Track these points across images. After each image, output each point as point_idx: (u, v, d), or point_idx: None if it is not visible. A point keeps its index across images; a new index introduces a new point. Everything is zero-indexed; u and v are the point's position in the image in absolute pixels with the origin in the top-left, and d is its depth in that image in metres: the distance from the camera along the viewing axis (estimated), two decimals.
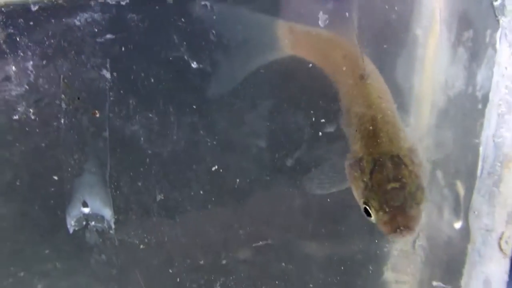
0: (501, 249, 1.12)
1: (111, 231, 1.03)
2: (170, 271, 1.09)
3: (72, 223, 1.02)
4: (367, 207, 0.84)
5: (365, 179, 0.86)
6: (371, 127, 0.89)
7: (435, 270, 1.18)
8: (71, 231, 1.03)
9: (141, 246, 1.06)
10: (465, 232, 1.16)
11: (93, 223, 1.03)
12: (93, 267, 1.05)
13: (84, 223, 1.03)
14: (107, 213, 1.02)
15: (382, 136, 0.88)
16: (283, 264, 1.09)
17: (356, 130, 0.91)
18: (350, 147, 0.94)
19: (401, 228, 0.82)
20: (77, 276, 1.06)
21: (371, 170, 0.86)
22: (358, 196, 0.88)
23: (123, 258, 1.05)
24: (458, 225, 1.21)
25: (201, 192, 1.05)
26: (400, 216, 0.82)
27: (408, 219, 0.82)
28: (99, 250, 1.04)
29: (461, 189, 1.20)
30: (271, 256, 1.09)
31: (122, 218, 1.04)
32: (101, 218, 1.02)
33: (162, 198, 1.04)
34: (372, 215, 0.84)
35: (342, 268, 1.10)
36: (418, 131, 1.23)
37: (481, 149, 1.11)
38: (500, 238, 1.12)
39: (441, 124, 1.20)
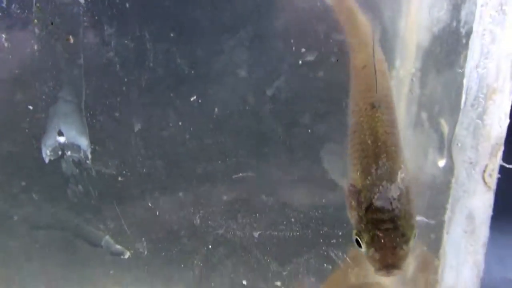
0: (485, 183, 1.11)
1: (87, 161, 1.02)
2: (150, 204, 1.07)
3: (48, 152, 1.00)
4: (359, 239, 0.87)
5: (360, 214, 0.87)
6: (373, 165, 0.89)
7: (418, 205, 1.17)
8: (46, 161, 1.01)
9: (119, 178, 1.04)
10: (449, 167, 1.15)
11: (69, 153, 1.01)
12: (70, 198, 1.04)
13: (60, 153, 1.01)
14: (83, 142, 1.01)
15: (383, 176, 0.88)
16: (264, 196, 1.08)
17: (358, 159, 0.91)
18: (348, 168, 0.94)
19: (389, 267, 0.85)
20: (53, 207, 1.05)
21: (367, 207, 0.87)
22: (352, 222, 0.90)
23: (100, 189, 1.04)
24: (442, 163, 1.20)
25: (180, 123, 1.03)
26: (390, 256, 0.85)
27: (397, 259, 0.85)
28: (76, 180, 1.03)
29: (445, 127, 1.18)
30: (251, 189, 1.07)
31: (99, 148, 1.02)
32: (77, 148, 1.01)
33: (140, 128, 1.02)
34: (362, 247, 0.87)
35: (324, 200, 1.09)
36: (404, 72, 1.22)
37: (464, 81, 1.10)
38: (484, 171, 1.11)
39: (426, 63, 1.18)
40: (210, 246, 1.08)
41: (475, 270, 1.15)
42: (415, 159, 1.26)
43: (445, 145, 1.17)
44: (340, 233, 1.11)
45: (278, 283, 1.13)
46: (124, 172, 1.04)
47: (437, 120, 1.19)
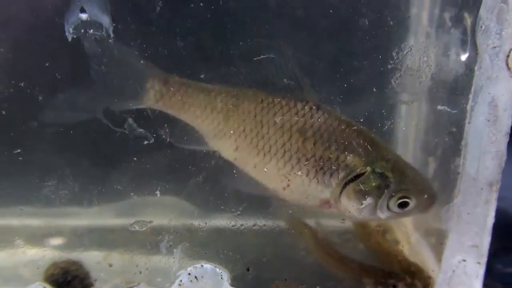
0: (508, 68, 1.09)
1: (110, 40, 1.02)
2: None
3: (71, 30, 1.00)
4: (406, 200, 1.07)
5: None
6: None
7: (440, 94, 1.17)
8: (69, 39, 1.01)
9: (141, 61, 1.04)
10: (472, 56, 1.13)
11: (91, 30, 1.01)
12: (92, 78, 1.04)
13: (83, 30, 1.01)
14: (105, 20, 1.01)
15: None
16: None
17: None
18: None
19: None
20: (76, 85, 1.05)
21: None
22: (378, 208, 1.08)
23: (124, 69, 1.04)
24: (464, 57, 1.18)
25: None
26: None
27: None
28: (99, 60, 1.03)
29: (468, 20, 1.17)
30: None
31: (121, 26, 1.02)
32: (99, 26, 1.01)
33: (161, 6, 1.02)
34: (411, 202, 1.08)
35: None
36: None
37: None
38: (508, 56, 1.09)
39: None
40: None
41: (497, 160, 1.14)
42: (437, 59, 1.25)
43: (468, 39, 1.16)
44: None
45: None
46: (145, 54, 1.04)
47: (460, 16, 1.18)
